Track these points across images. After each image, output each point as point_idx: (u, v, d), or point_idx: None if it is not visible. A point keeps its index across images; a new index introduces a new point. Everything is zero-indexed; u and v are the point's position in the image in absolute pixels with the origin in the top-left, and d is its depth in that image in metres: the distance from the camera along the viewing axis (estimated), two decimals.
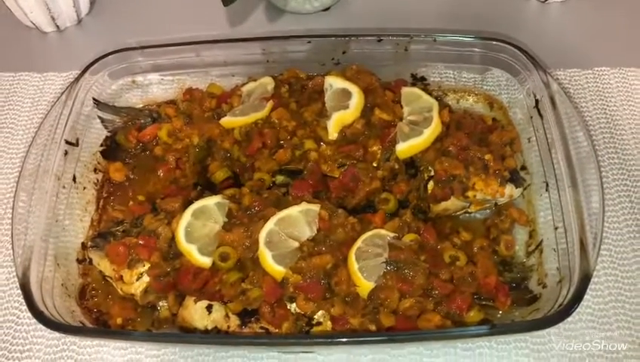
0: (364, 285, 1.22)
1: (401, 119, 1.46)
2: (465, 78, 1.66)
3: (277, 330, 1.23)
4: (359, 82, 1.50)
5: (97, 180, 1.55)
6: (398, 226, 1.31)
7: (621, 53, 1.76)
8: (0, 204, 1.55)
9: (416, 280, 1.23)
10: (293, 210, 1.31)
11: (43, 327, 1.20)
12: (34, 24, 1.89)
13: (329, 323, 1.24)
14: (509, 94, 1.61)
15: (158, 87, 1.68)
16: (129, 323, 1.33)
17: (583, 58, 1.75)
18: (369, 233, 1.28)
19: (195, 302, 1.27)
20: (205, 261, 1.26)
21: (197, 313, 1.26)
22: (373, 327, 1.22)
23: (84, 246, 1.43)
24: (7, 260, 1.45)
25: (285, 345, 1.26)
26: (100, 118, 1.59)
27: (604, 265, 1.40)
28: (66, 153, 1.44)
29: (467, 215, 1.47)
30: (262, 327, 1.24)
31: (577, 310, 1.16)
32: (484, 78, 1.65)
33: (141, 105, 1.67)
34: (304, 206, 1.32)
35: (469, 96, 1.66)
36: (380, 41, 1.58)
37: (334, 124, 1.44)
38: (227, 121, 1.50)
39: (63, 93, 1.50)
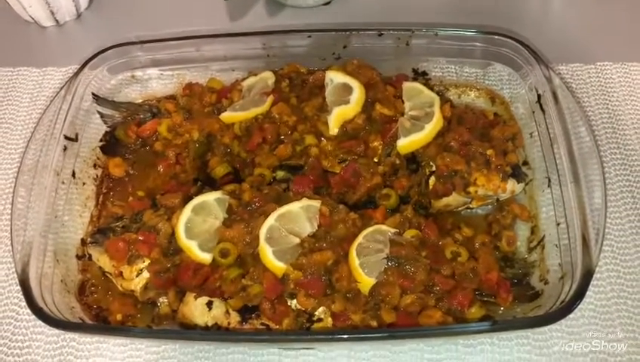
0: (365, 281, 1.22)
1: (402, 114, 1.45)
2: (467, 72, 1.65)
3: (277, 327, 1.23)
4: (360, 77, 1.49)
5: (97, 176, 1.54)
6: (400, 222, 1.31)
7: (624, 48, 1.75)
8: None
9: (417, 276, 1.23)
10: (294, 206, 1.30)
11: (42, 323, 1.19)
12: (33, 18, 1.88)
13: (330, 319, 1.23)
14: (511, 89, 1.61)
15: (157, 82, 1.68)
16: (129, 319, 1.33)
17: (585, 53, 1.74)
18: (370, 229, 1.28)
19: (196, 298, 1.26)
20: (205, 257, 1.26)
21: (197, 309, 1.26)
22: (374, 323, 1.22)
23: (83, 242, 1.43)
24: (6, 256, 1.44)
25: (286, 341, 1.25)
26: (99, 113, 1.59)
27: (607, 261, 1.39)
28: (65, 148, 1.44)
29: (469, 210, 1.46)
30: (262, 324, 1.24)
31: (579, 306, 1.16)
32: (486, 73, 1.64)
33: (141, 100, 1.66)
34: (305, 202, 1.31)
35: (471, 90, 1.65)
36: (381, 35, 1.58)
37: (335, 119, 1.43)
38: (227, 116, 1.49)
39: (62, 88, 1.49)
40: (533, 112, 1.49)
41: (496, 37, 1.55)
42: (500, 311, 1.28)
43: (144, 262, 1.29)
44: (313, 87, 1.52)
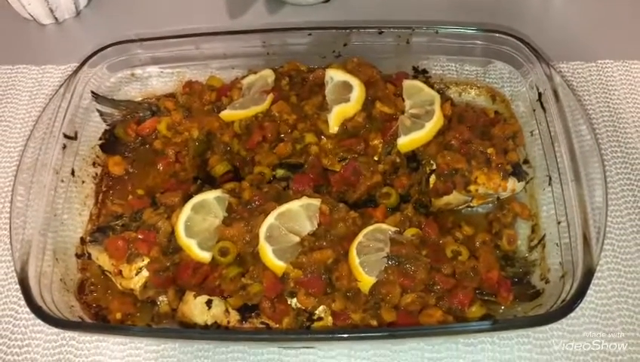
0: (366, 280, 1.21)
1: (402, 112, 1.45)
2: (467, 70, 1.65)
3: (277, 325, 1.22)
4: (360, 75, 1.49)
5: (96, 174, 1.54)
6: (400, 221, 1.30)
7: (625, 46, 1.75)
8: None
9: (417, 275, 1.22)
10: (294, 205, 1.30)
11: (42, 322, 1.19)
12: (32, 16, 1.87)
13: (330, 318, 1.23)
14: (512, 87, 1.60)
15: (157, 80, 1.67)
16: (128, 318, 1.32)
17: (586, 50, 1.74)
18: (370, 227, 1.27)
19: (195, 297, 1.26)
20: (205, 256, 1.25)
21: (197, 308, 1.26)
22: (374, 323, 1.21)
23: (82, 240, 1.42)
24: (5, 254, 1.44)
25: (286, 340, 1.25)
26: (98, 111, 1.58)
27: (607, 259, 1.39)
28: (64, 147, 1.43)
29: (469, 209, 1.46)
30: (262, 322, 1.24)
31: (580, 305, 1.15)
32: (487, 71, 1.63)
33: (140, 99, 1.66)
34: (305, 200, 1.31)
35: (471, 89, 1.65)
36: (381, 33, 1.57)
37: (335, 118, 1.43)
38: (227, 114, 1.49)
39: (61, 86, 1.49)
40: (534, 110, 1.48)
41: (497, 35, 1.54)
42: (501, 310, 1.28)
43: (143, 260, 1.28)
44: (313, 85, 1.51)
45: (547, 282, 1.30)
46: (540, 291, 1.29)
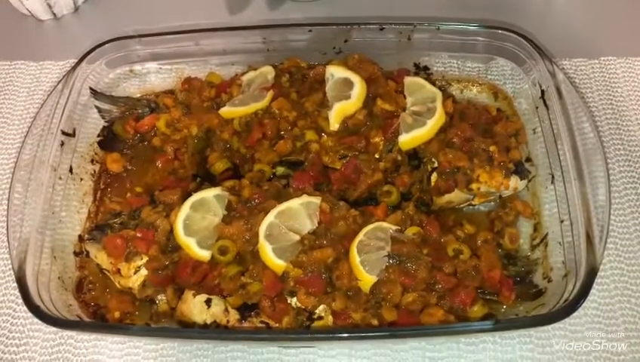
0: (366, 279, 1.20)
1: (404, 109, 1.44)
2: (469, 67, 1.64)
3: (277, 325, 1.22)
4: (361, 72, 1.48)
5: (94, 171, 1.53)
6: (401, 219, 1.30)
7: (628, 43, 1.74)
8: None
9: (419, 273, 1.21)
10: (294, 203, 1.28)
11: (40, 321, 1.18)
12: (30, 12, 1.86)
13: (330, 317, 1.22)
14: (514, 84, 1.59)
15: (156, 77, 1.66)
16: (127, 316, 1.32)
17: (589, 47, 1.73)
18: (371, 226, 1.26)
19: (194, 295, 1.25)
20: (204, 254, 1.24)
21: (196, 307, 1.25)
22: (375, 322, 1.20)
23: (81, 238, 1.41)
24: (2, 252, 1.43)
25: (285, 340, 1.24)
26: (97, 107, 1.57)
27: (610, 258, 1.38)
28: (62, 144, 1.42)
29: (471, 207, 1.45)
30: (262, 322, 1.23)
31: (583, 304, 1.14)
32: (489, 68, 1.62)
33: (139, 95, 1.65)
34: (305, 198, 1.30)
35: (473, 86, 1.64)
36: (382, 29, 1.56)
37: (336, 115, 1.42)
38: (226, 111, 1.48)
39: (59, 83, 1.47)
40: (537, 108, 1.47)
41: (499, 31, 1.53)
42: (503, 309, 1.27)
43: (142, 259, 1.27)
44: (314, 82, 1.50)
45: (550, 281, 1.29)
46: (543, 290, 1.28)
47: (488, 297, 1.26)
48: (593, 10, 1.84)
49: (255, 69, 1.56)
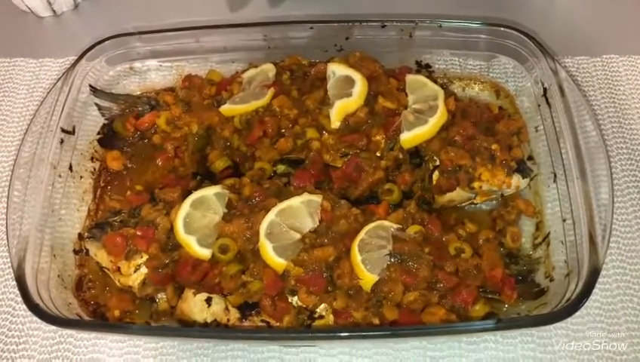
0: (368, 278, 1.20)
1: (405, 107, 1.43)
2: (471, 65, 1.63)
3: (278, 324, 1.21)
4: (363, 69, 1.47)
5: (94, 169, 1.52)
6: (402, 217, 1.29)
7: (630, 41, 1.73)
8: None
9: (420, 272, 1.21)
10: (295, 201, 1.28)
11: (39, 319, 1.17)
12: (30, 9, 1.85)
13: (331, 316, 1.22)
14: (516, 82, 1.58)
15: (156, 74, 1.65)
16: (127, 315, 1.31)
17: (591, 45, 1.72)
18: (372, 224, 1.26)
19: (194, 294, 1.24)
20: (204, 253, 1.24)
21: (196, 306, 1.24)
22: (376, 321, 1.20)
23: (80, 236, 1.41)
24: (1, 250, 1.43)
25: (286, 339, 1.24)
26: (96, 105, 1.56)
27: (612, 257, 1.38)
28: (62, 141, 1.42)
29: (473, 206, 1.44)
30: (263, 320, 1.22)
31: (585, 304, 1.14)
32: (491, 66, 1.62)
33: (139, 93, 1.64)
34: (306, 196, 1.29)
35: (475, 83, 1.63)
36: (383, 26, 1.55)
37: (337, 113, 1.41)
38: (227, 108, 1.47)
39: (59, 80, 1.47)
40: (539, 106, 1.47)
41: (501, 29, 1.52)
42: (505, 309, 1.27)
43: (142, 257, 1.27)
44: (315, 80, 1.50)
45: (552, 280, 1.28)
46: (545, 289, 1.28)
47: (490, 296, 1.25)
48: (595, 7, 1.83)
49: (256, 67, 1.55)
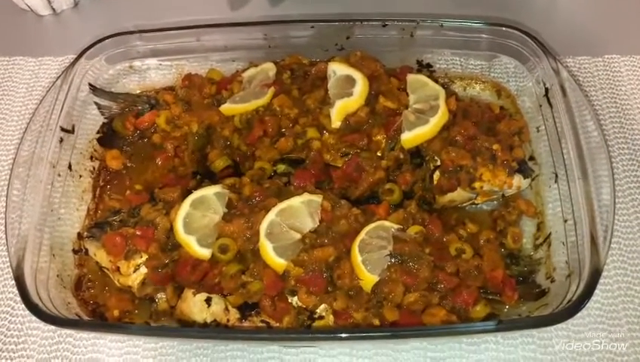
0: (368, 278, 1.19)
1: (406, 107, 1.43)
2: (472, 64, 1.63)
3: (278, 324, 1.21)
4: (363, 69, 1.47)
5: (94, 168, 1.52)
6: (403, 218, 1.29)
7: (632, 41, 1.73)
8: None
9: (421, 273, 1.20)
10: (295, 201, 1.27)
11: (38, 319, 1.17)
12: (29, 7, 1.85)
13: (331, 317, 1.21)
14: (518, 82, 1.58)
15: (156, 73, 1.65)
16: (126, 315, 1.30)
17: (593, 45, 1.72)
18: (373, 225, 1.25)
19: (194, 294, 1.24)
20: (204, 252, 1.23)
21: (196, 306, 1.24)
22: (376, 322, 1.19)
23: (80, 236, 1.40)
24: (0, 250, 1.42)
25: (286, 340, 1.23)
26: (96, 104, 1.56)
27: (613, 258, 1.37)
28: (61, 140, 1.41)
29: (474, 206, 1.44)
30: (262, 321, 1.22)
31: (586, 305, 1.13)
32: (492, 65, 1.61)
33: (139, 91, 1.64)
34: (306, 196, 1.29)
35: (476, 83, 1.62)
36: (384, 26, 1.54)
37: (338, 112, 1.41)
38: (227, 108, 1.47)
39: (58, 78, 1.47)
40: (540, 106, 1.46)
41: (503, 28, 1.52)
42: (506, 309, 1.26)
43: (142, 257, 1.26)
44: (315, 79, 1.49)
45: (553, 281, 1.28)
46: (546, 290, 1.27)
47: (491, 297, 1.25)
48: (597, 7, 1.83)
49: (256, 66, 1.55)
